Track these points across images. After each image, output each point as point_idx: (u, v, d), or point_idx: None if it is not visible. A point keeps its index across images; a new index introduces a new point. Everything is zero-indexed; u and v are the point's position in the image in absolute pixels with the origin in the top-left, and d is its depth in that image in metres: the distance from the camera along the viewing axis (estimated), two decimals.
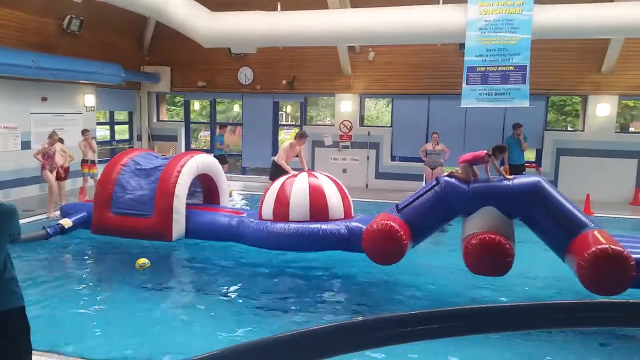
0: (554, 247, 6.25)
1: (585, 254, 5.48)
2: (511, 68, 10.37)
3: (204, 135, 21.42)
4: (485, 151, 6.60)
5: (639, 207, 12.33)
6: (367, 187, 14.50)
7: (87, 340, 4.90)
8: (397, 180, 14.10)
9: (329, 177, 8.18)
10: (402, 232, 6.27)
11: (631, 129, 19.78)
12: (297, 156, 9.80)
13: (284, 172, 8.83)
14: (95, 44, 13.63)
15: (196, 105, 18.92)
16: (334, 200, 7.77)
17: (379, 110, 24.55)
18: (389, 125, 14.92)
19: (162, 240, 7.94)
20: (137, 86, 16.13)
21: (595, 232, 5.85)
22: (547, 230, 6.22)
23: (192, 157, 8.47)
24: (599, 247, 5.46)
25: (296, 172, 8.30)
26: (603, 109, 12.92)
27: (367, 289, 6.57)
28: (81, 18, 12.78)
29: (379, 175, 14.61)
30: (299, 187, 7.72)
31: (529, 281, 6.78)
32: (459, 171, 6.54)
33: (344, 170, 14.55)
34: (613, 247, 5.44)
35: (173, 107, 21.86)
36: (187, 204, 8.27)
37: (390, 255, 6.36)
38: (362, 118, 15.27)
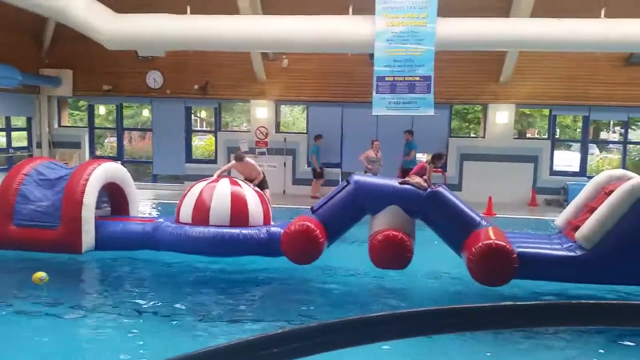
0: (451, 245, 6.83)
1: (473, 249, 6.10)
2: (417, 78, 10.88)
3: (110, 141, 20.45)
4: (424, 161, 7.11)
5: (536, 207, 13.40)
6: (284, 193, 14.55)
7: None
8: None
9: (249, 184, 8.22)
10: (318, 231, 6.60)
11: (528, 135, 21.40)
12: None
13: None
14: None
15: (101, 109, 17.93)
16: (254, 206, 7.75)
17: (295, 116, 24.67)
18: (305, 132, 15.07)
19: (70, 252, 7.49)
20: (36, 90, 15.08)
21: (488, 230, 6.46)
22: (444, 229, 6.81)
23: (99, 165, 8.08)
24: (485, 242, 6.08)
25: (216, 178, 8.15)
26: (502, 116, 13.91)
27: (288, 294, 6.61)
28: None
29: (296, 181, 14.71)
30: (220, 193, 7.64)
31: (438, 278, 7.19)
32: (416, 180, 6.91)
33: None
34: (497, 241, 6.04)
35: (76, 112, 20.64)
36: (95, 216, 7.86)
37: (309, 254, 6.68)
38: (278, 124, 15.31)
